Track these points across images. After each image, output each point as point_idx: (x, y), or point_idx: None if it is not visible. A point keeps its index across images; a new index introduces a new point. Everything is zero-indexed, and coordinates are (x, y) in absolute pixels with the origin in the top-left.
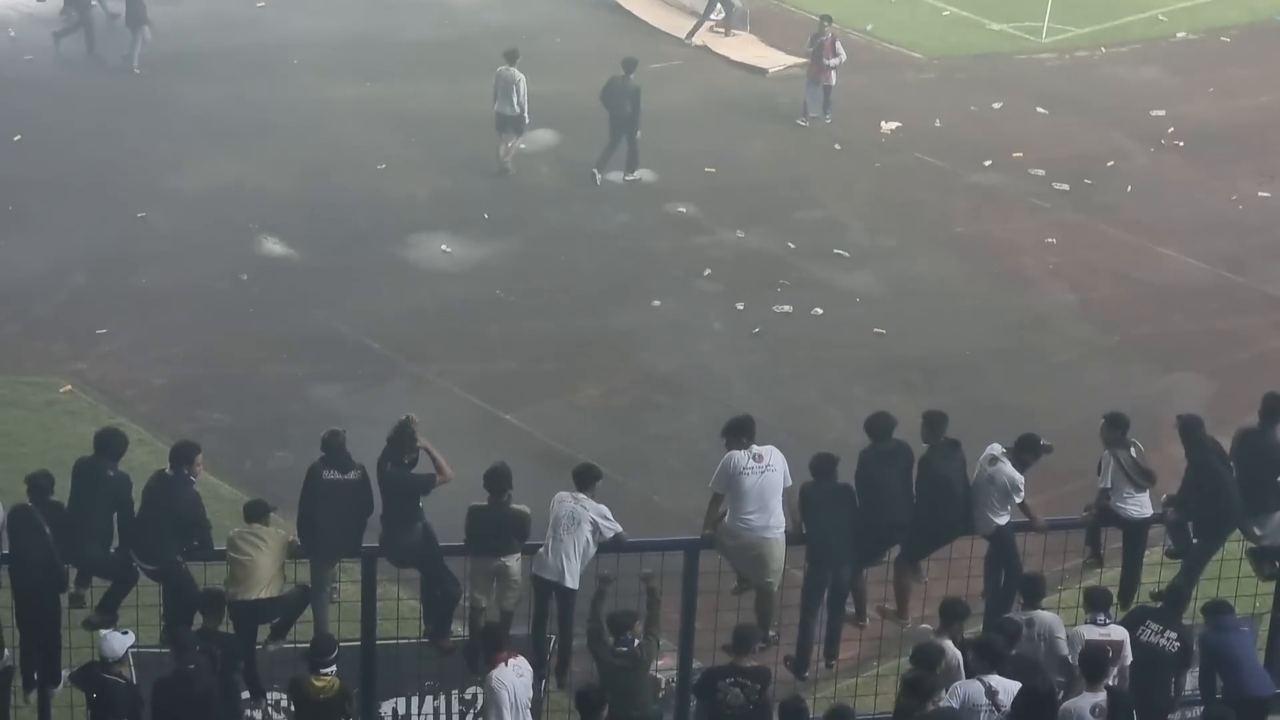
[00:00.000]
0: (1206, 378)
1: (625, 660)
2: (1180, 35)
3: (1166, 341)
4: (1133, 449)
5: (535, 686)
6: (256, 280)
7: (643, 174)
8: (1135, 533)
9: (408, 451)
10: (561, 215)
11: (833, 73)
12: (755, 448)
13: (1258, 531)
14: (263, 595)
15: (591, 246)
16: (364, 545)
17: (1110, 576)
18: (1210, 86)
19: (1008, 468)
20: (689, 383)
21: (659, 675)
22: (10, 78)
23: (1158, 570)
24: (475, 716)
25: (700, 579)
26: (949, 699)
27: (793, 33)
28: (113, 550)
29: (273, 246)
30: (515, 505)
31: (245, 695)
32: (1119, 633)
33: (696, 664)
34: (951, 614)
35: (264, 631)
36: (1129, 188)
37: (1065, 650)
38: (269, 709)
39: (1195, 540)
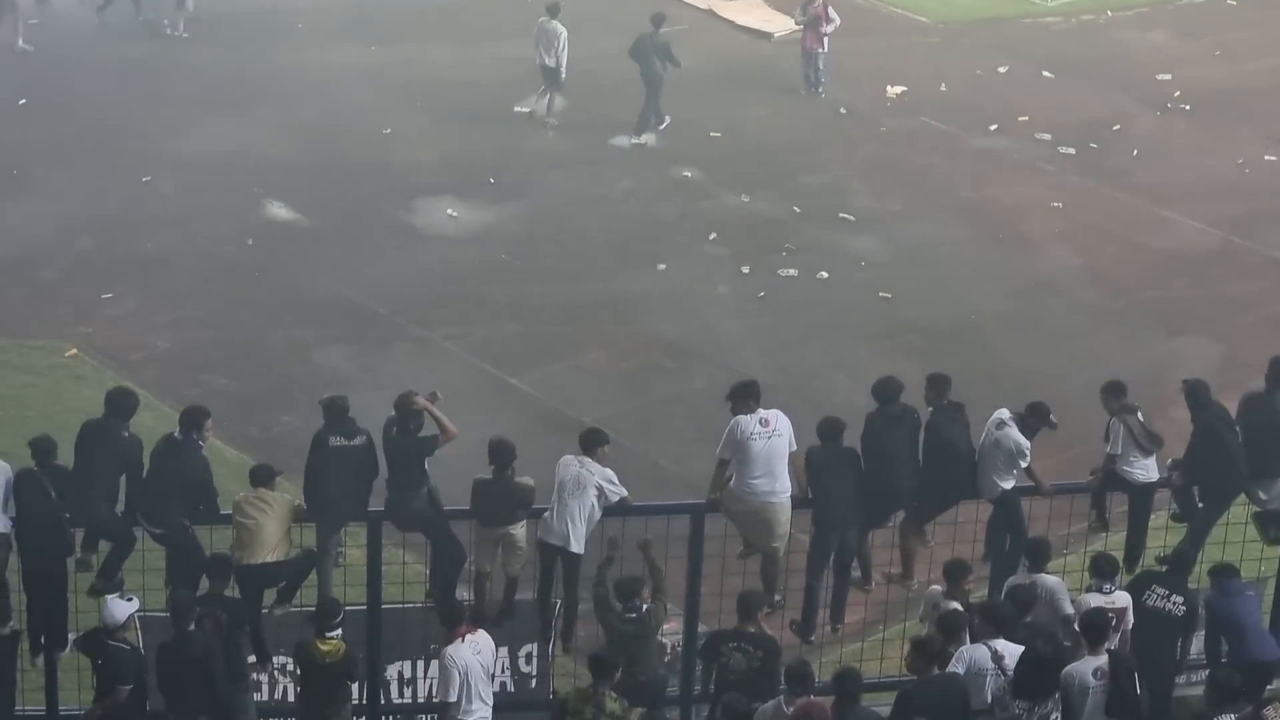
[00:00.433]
0: (1212, 342)
1: (633, 626)
2: None
3: (1172, 306)
4: (1139, 413)
5: (542, 652)
6: (262, 245)
7: (649, 139)
8: (1142, 497)
9: (412, 418)
10: (567, 180)
11: (826, 39)
12: (762, 412)
13: (1263, 496)
14: (269, 559)
15: (597, 211)
16: (369, 510)
17: (1115, 541)
18: (1217, 50)
19: (1014, 432)
20: (694, 346)
21: (664, 640)
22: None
23: (1163, 535)
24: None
25: (706, 543)
26: (954, 663)
27: None
28: (118, 513)
29: (278, 211)
30: (519, 479)
31: (251, 659)
32: (1123, 599)
33: (702, 628)
34: (956, 574)
35: (270, 596)
36: (1135, 152)
37: (1068, 611)
38: (275, 673)
39: (1200, 504)
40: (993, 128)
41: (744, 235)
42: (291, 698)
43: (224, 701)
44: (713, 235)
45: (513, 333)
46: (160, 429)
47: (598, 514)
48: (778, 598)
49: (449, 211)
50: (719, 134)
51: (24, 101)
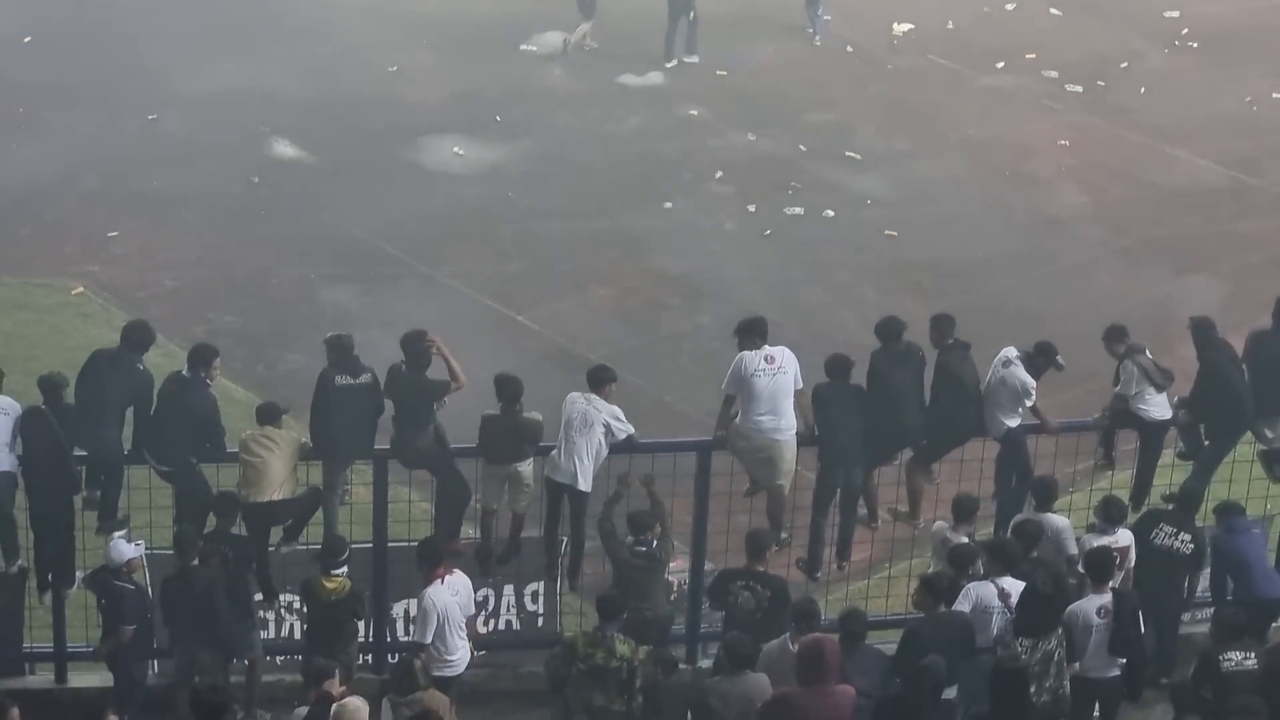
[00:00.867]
0: (1219, 280)
1: (643, 560)
2: None
3: (1179, 244)
4: (1146, 351)
5: (549, 591)
6: (268, 183)
7: (697, 59)
8: (1155, 434)
9: (421, 355)
10: (574, 118)
11: None
12: (767, 349)
13: (1269, 433)
14: (275, 497)
15: (603, 149)
16: (376, 447)
17: (1121, 479)
18: None
19: (1020, 371)
20: (701, 284)
21: (671, 577)
22: None
23: (1169, 472)
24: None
25: (712, 480)
26: (961, 600)
27: None
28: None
29: (284, 149)
30: (527, 414)
31: (258, 596)
32: (1125, 538)
33: (709, 566)
34: (964, 510)
35: (276, 533)
36: (1143, 89)
37: (1072, 551)
38: (281, 610)
39: (1207, 442)
40: (999, 65)
41: (750, 174)
42: (298, 635)
43: (227, 636)
44: (719, 174)
45: (519, 270)
46: (167, 367)
47: (605, 451)
48: (784, 535)
49: (455, 149)
50: (724, 72)
51: (29, 39)
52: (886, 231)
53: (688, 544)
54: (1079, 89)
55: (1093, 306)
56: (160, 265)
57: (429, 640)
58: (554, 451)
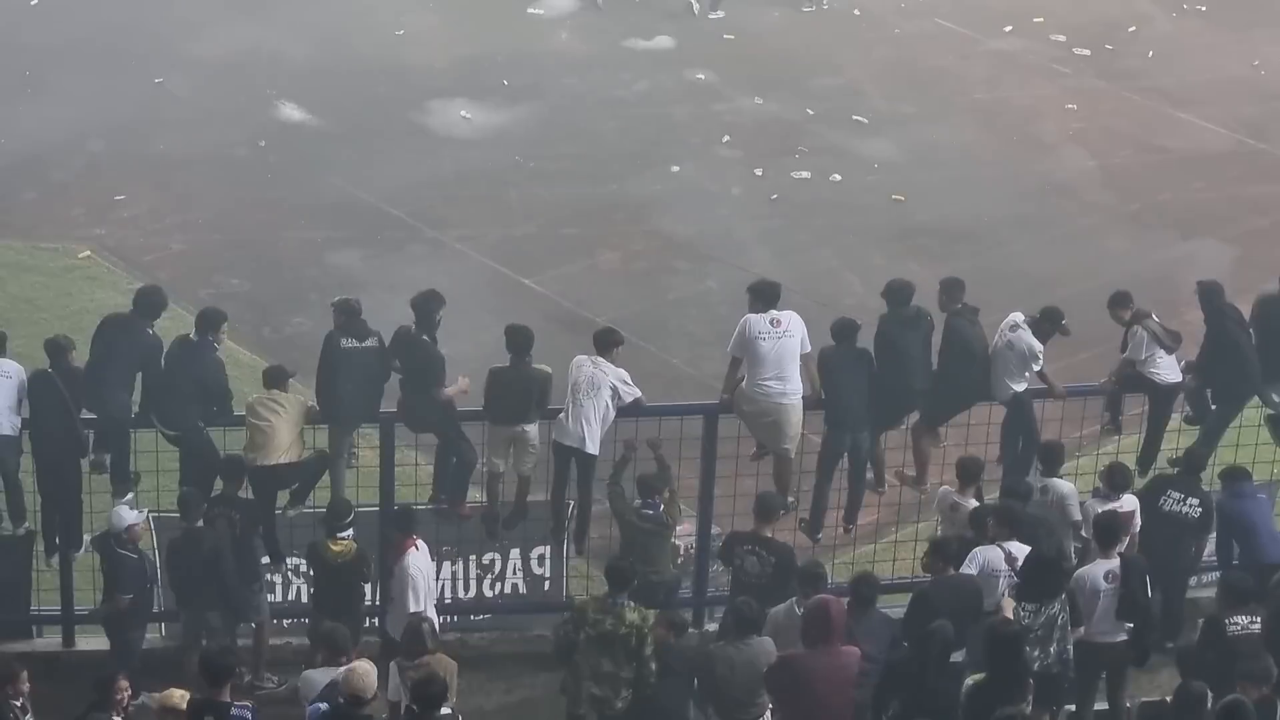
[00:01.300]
0: (1227, 244)
1: (651, 523)
2: None
3: (1187, 208)
4: (1153, 315)
5: (556, 555)
6: (275, 146)
7: (723, 13)
8: (1164, 398)
9: (432, 320)
10: (581, 82)
11: None
12: (774, 312)
13: (1276, 398)
14: (282, 461)
15: (610, 113)
16: (382, 411)
17: (1127, 443)
18: None
19: (1028, 335)
20: (708, 248)
21: (678, 541)
22: None
23: (1176, 437)
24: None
25: (719, 444)
26: (967, 564)
27: None
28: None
29: (291, 112)
30: (537, 365)
31: (265, 560)
32: (1130, 503)
33: (715, 530)
34: (969, 473)
35: (283, 497)
36: (1150, 53)
37: (1077, 516)
38: (288, 573)
39: (1214, 407)
40: (1007, 29)
41: (757, 137)
42: (305, 598)
43: (232, 597)
44: (726, 137)
45: (526, 234)
46: (174, 330)
47: (612, 415)
48: (790, 499)
49: (462, 113)
50: (732, 36)
51: (35, 2)
52: (893, 195)
53: (694, 508)
54: (1087, 53)
55: (1100, 271)
56: (167, 229)
57: (423, 606)
58: (561, 415)
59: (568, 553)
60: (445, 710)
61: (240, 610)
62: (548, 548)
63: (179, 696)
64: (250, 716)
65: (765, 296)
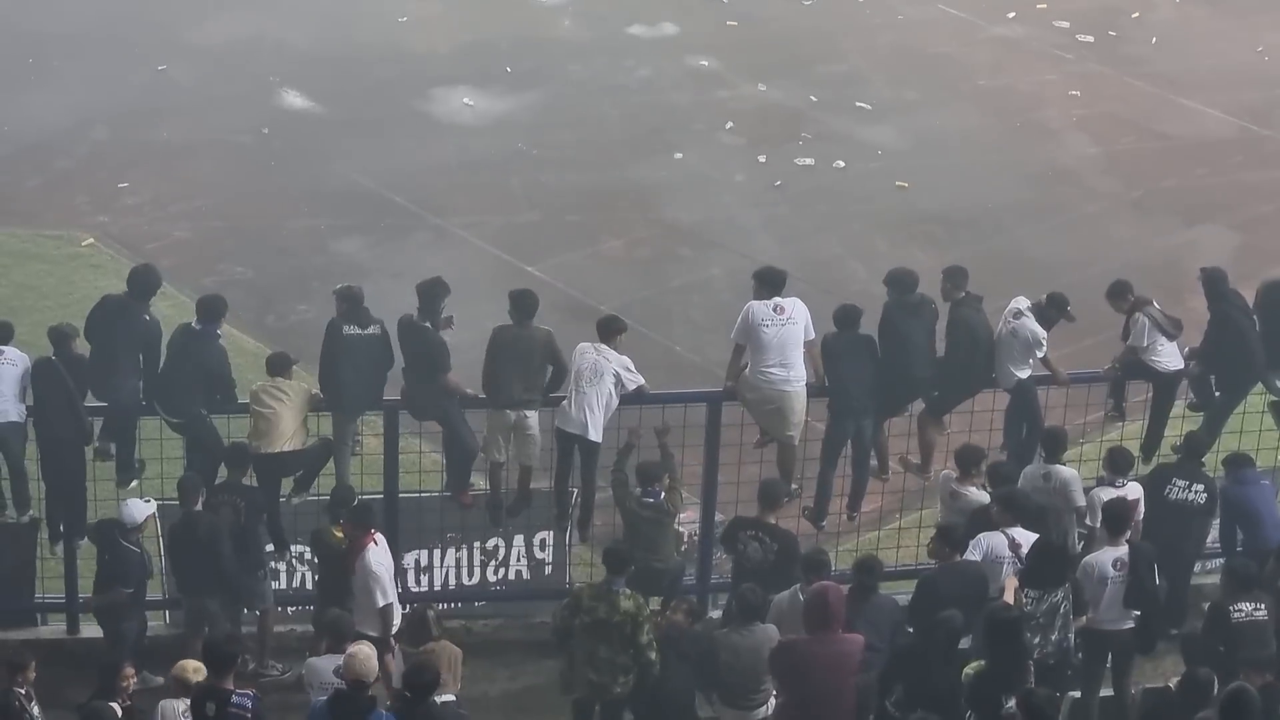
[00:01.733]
0: (1230, 231)
1: (651, 511)
2: None
3: (1190, 194)
4: (1154, 303)
5: (559, 542)
6: (278, 133)
7: None
8: (1167, 385)
9: (436, 307)
10: (583, 69)
11: None
12: (777, 299)
13: (1279, 384)
14: (286, 448)
15: (613, 100)
16: (386, 399)
17: (1131, 430)
18: None
19: (1031, 322)
20: (711, 235)
21: (682, 529)
22: None
23: (1180, 424)
24: (493, 561)
25: (723, 432)
26: (971, 550)
27: None
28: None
29: (294, 99)
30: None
31: (269, 547)
32: (1135, 490)
33: (719, 517)
34: (969, 460)
35: (288, 484)
36: (1154, 39)
37: (1080, 502)
38: (293, 560)
39: (1217, 393)
40: (1010, 15)
41: (760, 124)
42: (310, 585)
43: (231, 583)
44: (729, 124)
45: (529, 221)
46: (178, 318)
47: (615, 402)
48: (794, 486)
49: (466, 100)
50: (735, 23)
51: None
52: (897, 182)
53: (698, 495)
54: (1090, 39)
55: (1103, 257)
56: (171, 216)
57: (394, 598)
58: (564, 402)
59: (571, 540)
60: (449, 697)
61: (243, 597)
62: (550, 533)
63: (192, 669)
64: (250, 704)
65: (770, 283)
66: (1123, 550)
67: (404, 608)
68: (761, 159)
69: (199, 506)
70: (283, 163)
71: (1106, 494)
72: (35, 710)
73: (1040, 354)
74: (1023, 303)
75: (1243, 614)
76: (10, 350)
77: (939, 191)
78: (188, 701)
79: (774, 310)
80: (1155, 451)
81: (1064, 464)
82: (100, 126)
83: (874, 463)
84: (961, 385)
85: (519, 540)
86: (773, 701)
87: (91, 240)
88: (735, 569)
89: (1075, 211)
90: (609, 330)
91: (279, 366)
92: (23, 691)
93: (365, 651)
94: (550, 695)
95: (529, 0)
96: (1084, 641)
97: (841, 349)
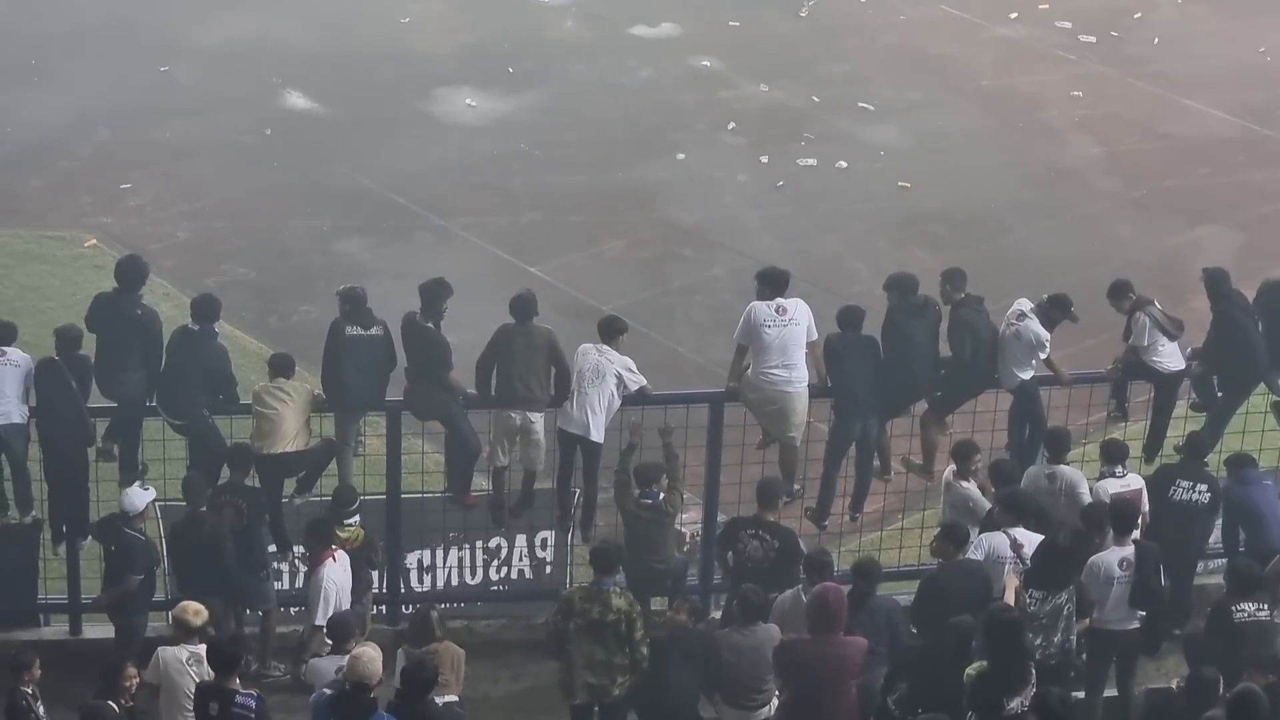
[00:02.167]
0: (1233, 230)
1: (650, 512)
2: None
3: (1193, 194)
4: (1155, 302)
5: (560, 542)
6: (280, 134)
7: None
8: (1168, 386)
9: (439, 308)
10: (586, 69)
11: None
12: (780, 300)
13: None
14: (288, 449)
15: (616, 100)
16: (388, 399)
17: (1134, 430)
18: None
19: (1034, 324)
20: (713, 235)
21: (683, 529)
22: None
23: (1183, 424)
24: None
25: (725, 432)
26: (973, 550)
27: None
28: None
29: (296, 100)
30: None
31: (272, 548)
32: (1137, 481)
33: (721, 517)
34: (963, 455)
35: (290, 485)
36: (1156, 40)
37: (1086, 502)
38: (296, 561)
39: (1220, 394)
40: (1013, 16)
41: (763, 124)
42: None
43: (233, 583)
44: (731, 124)
45: (532, 221)
46: (180, 319)
47: (617, 402)
48: (796, 487)
49: (468, 101)
50: (737, 23)
51: None
52: (900, 182)
53: (700, 496)
54: (1092, 39)
55: (1106, 257)
56: (173, 217)
57: (321, 622)
58: (566, 403)
59: (573, 540)
60: (452, 698)
61: (246, 598)
62: (551, 533)
63: (193, 610)
64: (254, 704)
65: (773, 284)
66: (1129, 550)
67: (407, 608)
68: (764, 159)
69: (204, 508)
70: (285, 163)
71: (1112, 486)
72: (41, 710)
73: (1043, 356)
74: (1026, 304)
75: (1245, 614)
76: (13, 351)
77: (941, 192)
78: (189, 650)
79: (776, 311)
80: (1158, 452)
81: (1067, 464)
82: (103, 127)
83: (876, 463)
84: (964, 386)
85: (521, 540)
86: (775, 701)
87: (94, 241)
88: (734, 568)
89: (1077, 211)
90: (611, 331)
91: (281, 367)
92: (29, 691)
93: (369, 653)
94: (552, 696)
95: (531, 1)
96: (1089, 642)
97: (845, 350)
